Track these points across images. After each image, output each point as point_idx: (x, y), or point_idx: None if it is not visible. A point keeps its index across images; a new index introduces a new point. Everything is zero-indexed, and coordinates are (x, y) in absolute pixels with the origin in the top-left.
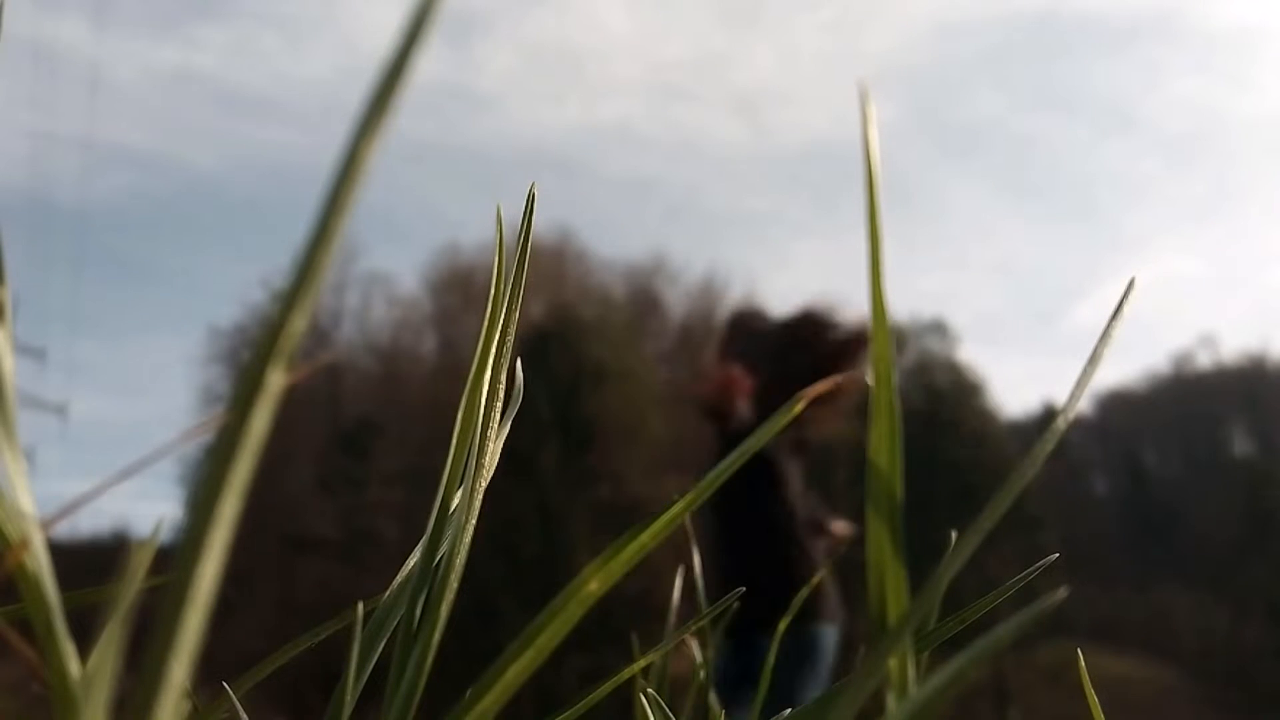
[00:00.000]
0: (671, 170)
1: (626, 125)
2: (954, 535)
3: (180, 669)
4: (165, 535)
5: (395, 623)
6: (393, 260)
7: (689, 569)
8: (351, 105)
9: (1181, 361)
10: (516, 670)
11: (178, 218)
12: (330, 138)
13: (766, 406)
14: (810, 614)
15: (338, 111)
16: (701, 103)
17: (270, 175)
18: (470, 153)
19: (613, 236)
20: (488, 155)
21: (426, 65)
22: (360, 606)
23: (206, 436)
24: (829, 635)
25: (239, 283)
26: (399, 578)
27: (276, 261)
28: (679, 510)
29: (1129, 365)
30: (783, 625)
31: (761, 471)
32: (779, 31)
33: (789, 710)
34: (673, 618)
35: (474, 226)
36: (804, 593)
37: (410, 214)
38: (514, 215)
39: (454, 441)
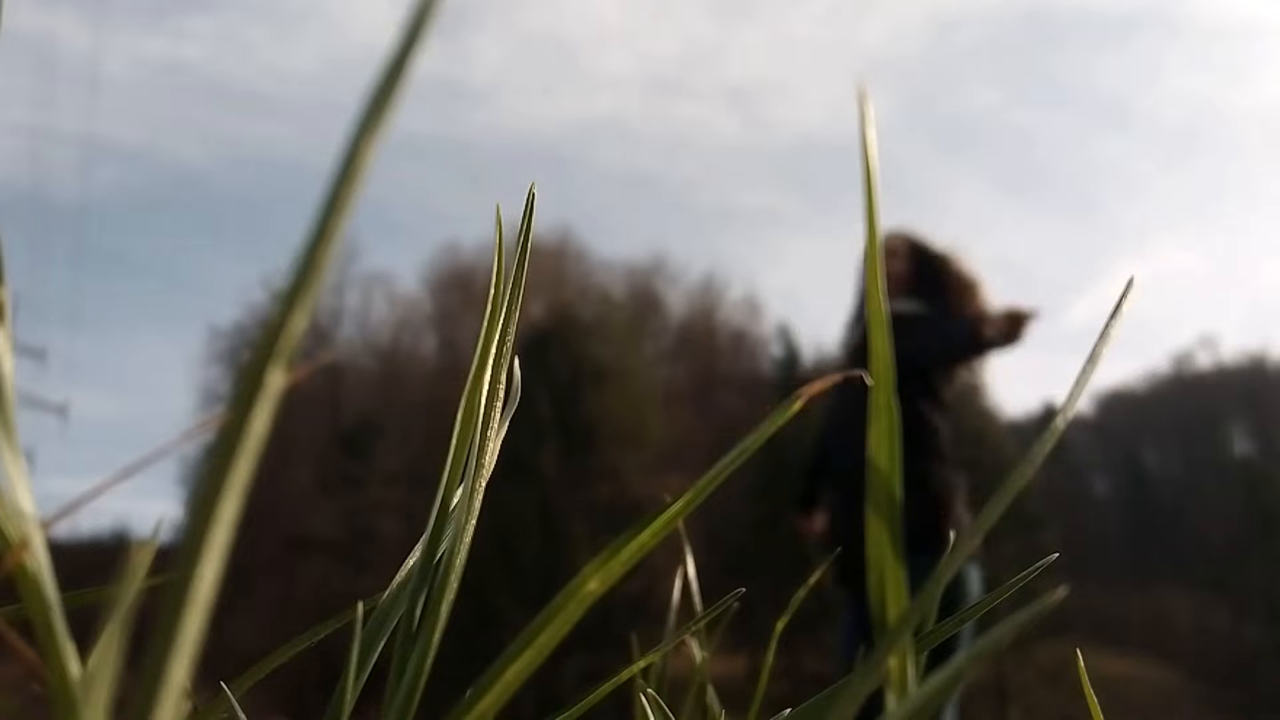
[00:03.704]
0: (666, 165)
1: (620, 119)
2: (953, 535)
3: (180, 669)
4: (165, 535)
5: (395, 623)
6: (393, 260)
7: (687, 569)
8: (339, 98)
9: (1181, 361)
10: (516, 670)
11: (168, 213)
12: (318, 131)
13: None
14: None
15: (325, 104)
16: (695, 96)
17: (259, 169)
18: (465, 147)
19: (608, 231)
20: (483, 149)
21: (420, 60)
22: (360, 606)
23: (206, 436)
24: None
25: (236, 280)
26: (399, 577)
27: (272, 258)
28: (678, 510)
29: (1129, 365)
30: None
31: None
32: (772, 23)
33: (789, 711)
34: (672, 618)
35: (471, 223)
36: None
37: (408, 212)
38: (512, 214)
39: (454, 441)
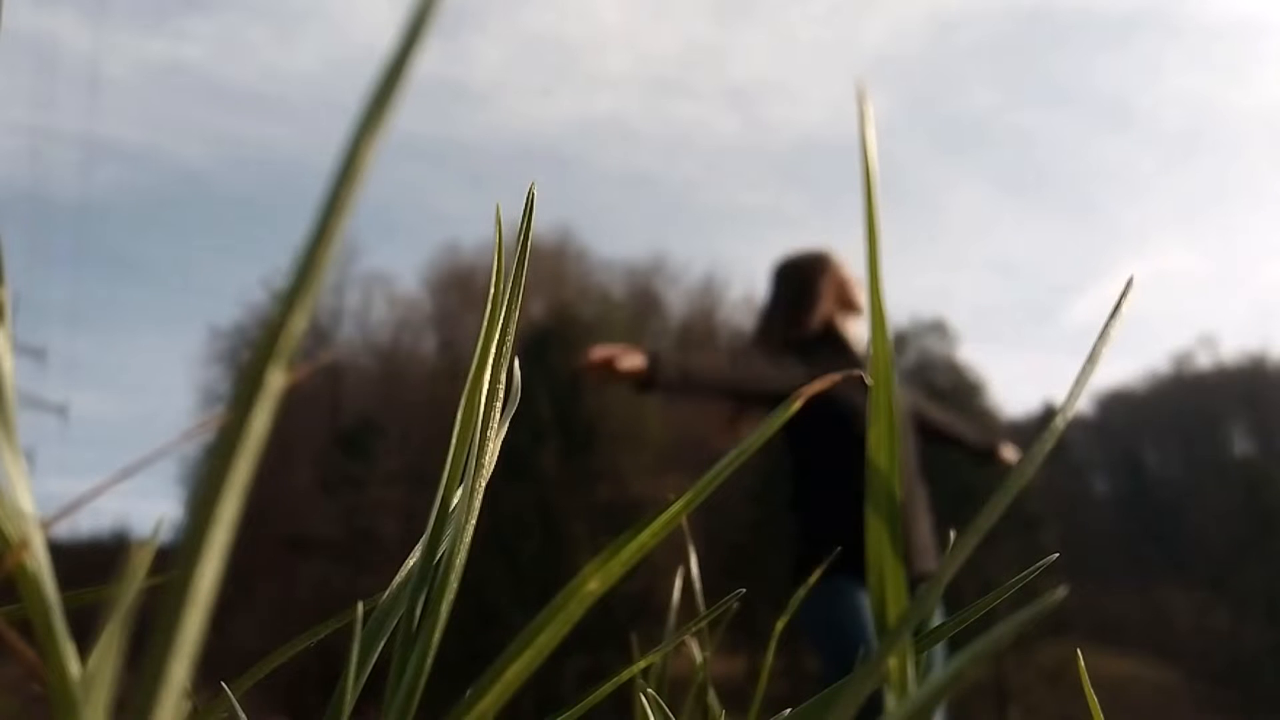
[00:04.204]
0: (667, 165)
1: (621, 119)
2: (953, 535)
3: (180, 669)
4: (165, 535)
5: (395, 623)
6: (393, 260)
7: (688, 569)
8: (342, 98)
9: (1181, 361)
10: (516, 670)
11: (171, 213)
12: (318, 131)
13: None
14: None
15: (326, 105)
16: (695, 96)
17: (259, 170)
18: (466, 148)
19: (609, 232)
20: (484, 150)
21: (420, 60)
22: (360, 606)
23: (206, 436)
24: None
25: (236, 281)
26: (399, 577)
27: (273, 259)
28: (679, 509)
29: (1129, 365)
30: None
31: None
32: (773, 23)
33: (789, 711)
34: (672, 618)
35: (471, 223)
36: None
37: (408, 212)
38: (512, 214)
39: (454, 441)
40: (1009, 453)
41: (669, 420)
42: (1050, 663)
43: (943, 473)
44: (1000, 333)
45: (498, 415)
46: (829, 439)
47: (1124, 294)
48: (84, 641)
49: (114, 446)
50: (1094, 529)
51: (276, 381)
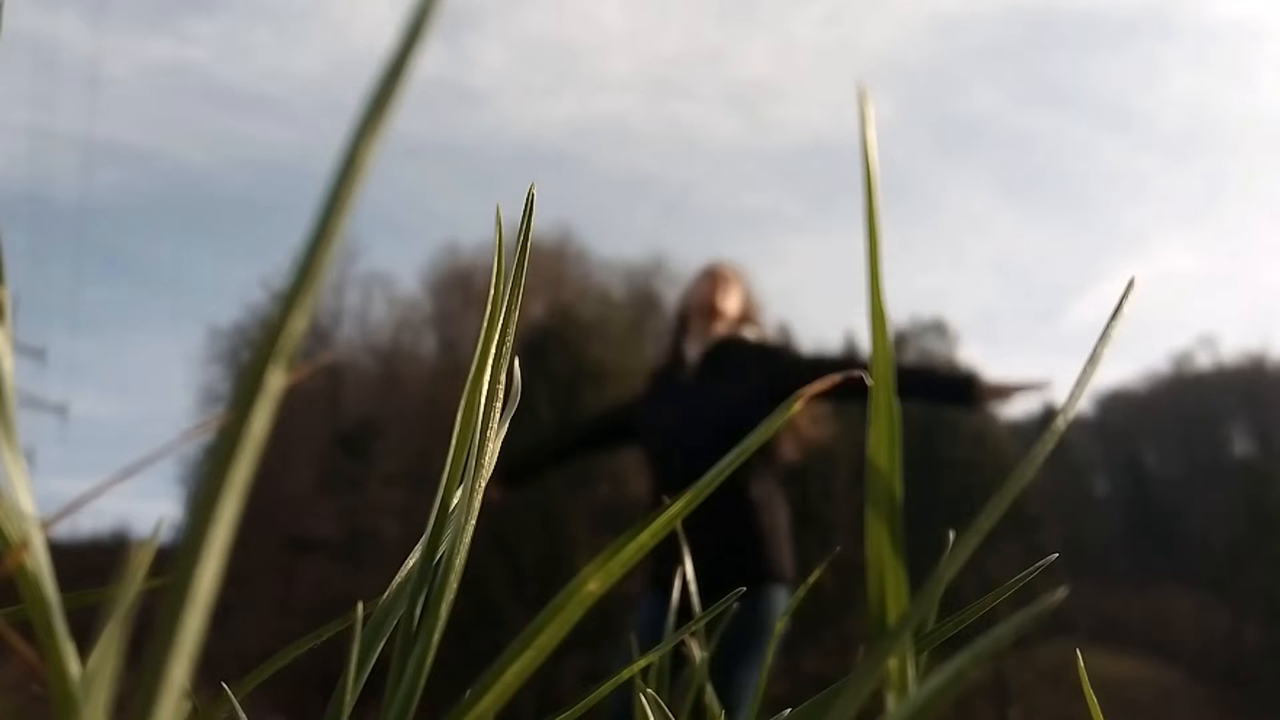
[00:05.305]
0: (667, 166)
1: (622, 121)
2: (953, 535)
3: (180, 669)
4: (165, 535)
5: (395, 623)
6: (393, 260)
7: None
8: (343, 99)
9: (1181, 361)
10: (516, 670)
11: (171, 214)
12: (321, 133)
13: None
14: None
15: (329, 106)
16: (697, 98)
17: (260, 170)
18: (466, 149)
19: (609, 232)
20: (484, 152)
21: (420, 61)
22: (360, 606)
23: (206, 436)
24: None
25: (238, 282)
26: (399, 578)
27: (274, 260)
28: (678, 510)
29: (1129, 365)
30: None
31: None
32: (775, 26)
33: (789, 711)
34: (672, 618)
35: (472, 224)
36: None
37: (409, 213)
38: (512, 214)
39: (454, 441)
40: (996, 388)
41: None
42: (1050, 663)
43: (942, 473)
44: (1000, 333)
45: (498, 415)
46: (656, 437)
47: (1124, 295)
48: (84, 641)
49: (114, 446)
50: (1094, 529)
51: (276, 381)
